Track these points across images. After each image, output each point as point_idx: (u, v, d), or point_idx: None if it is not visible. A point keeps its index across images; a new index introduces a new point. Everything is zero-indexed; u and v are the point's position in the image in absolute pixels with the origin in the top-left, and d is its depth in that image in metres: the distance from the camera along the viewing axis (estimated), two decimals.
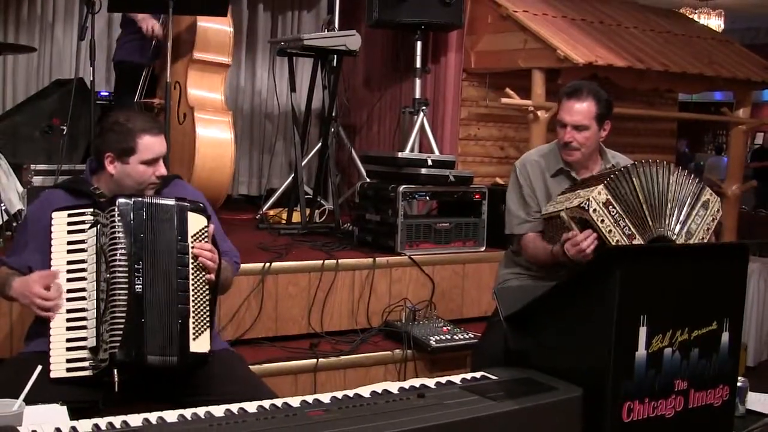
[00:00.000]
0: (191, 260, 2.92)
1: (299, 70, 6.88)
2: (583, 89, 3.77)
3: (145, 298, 2.83)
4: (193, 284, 2.92)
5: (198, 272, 2.95)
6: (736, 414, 2.91)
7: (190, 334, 2.86)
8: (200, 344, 2.89)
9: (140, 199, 2.93)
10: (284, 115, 7.06)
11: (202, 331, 2.90)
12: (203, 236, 2.99)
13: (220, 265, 3.05)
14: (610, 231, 3.43)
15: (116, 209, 2.87)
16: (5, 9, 6.40)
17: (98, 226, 2.89)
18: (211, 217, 3.07)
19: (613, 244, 3.41)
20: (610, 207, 3.44)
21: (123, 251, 2.84)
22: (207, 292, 2.97)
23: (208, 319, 2.94)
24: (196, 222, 2.99)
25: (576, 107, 3.73)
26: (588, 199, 3.42)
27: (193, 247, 2.93)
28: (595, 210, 3.42)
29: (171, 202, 2.97)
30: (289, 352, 4.28)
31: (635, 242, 3.46)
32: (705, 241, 3.57)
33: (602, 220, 3.42)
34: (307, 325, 4.55)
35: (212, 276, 2.99)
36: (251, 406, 2.20)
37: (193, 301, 2.90)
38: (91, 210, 2.93)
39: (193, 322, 2.88)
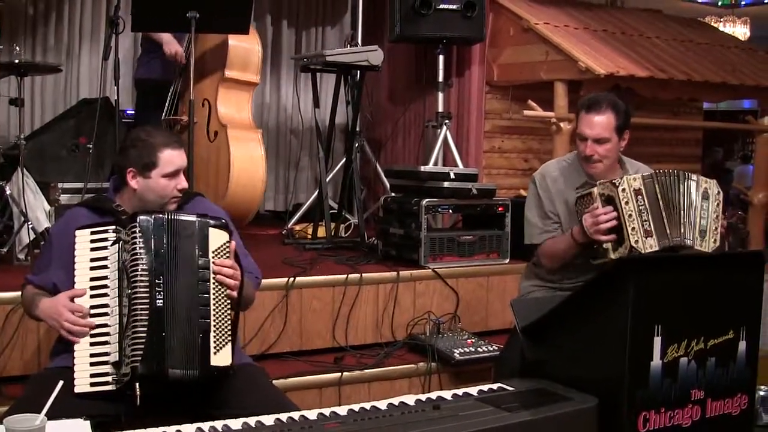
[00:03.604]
0: (212, 275, 2.94)
1: (323, 85, 6.94)
2: (601, 102, 3.76)
3: (167, 313, 2.84)
4: (214, 299, 2.93)
5: (219, 287, 2.95)
6: (760, 423, 2.91)
7: (211, 348, 2.87)
8: (221, 358, 2.90)
9: (161, 215, 2.94)
10: (309, 131, 7.11)
11: (224, 345, 2.91)
12: (224, 252, 3.00)
13: (243, 282, 3.07)
14: (630, 216, 3.45)
15: (137, 226, 2.88)
16: (33, 31, 6.52)
17: (120, 243, 2.91)
18: (233, 233, 3.09)
19: (629, 232, 3.42)
20: (639, 197, 3.47)
21: (144, 267, 2.85)
22: (228, 307, 2.98)
23: (229, 333, 2.95)
24: (217, 237, 2.99)
25: (596, 120, 3.73)
26: (623, 178, 3.49)
27: (213, 263, 2.95)
28: (624, 190, 3.45)
29: (192, 218, 2.98)
30: (314, 366, 4.30)
31: (651, 241, 3.45)
32: (718, 229, 3.57)
33: (627, 203, 3.45)
34: (332, 339, 4.56)
35: (233, 292, 3.01)
36: (269, 420, 2.23)
37: (214, 315, 2.91)
38: (113, 227, 2.95)
39: (215, 337, 2.89)
